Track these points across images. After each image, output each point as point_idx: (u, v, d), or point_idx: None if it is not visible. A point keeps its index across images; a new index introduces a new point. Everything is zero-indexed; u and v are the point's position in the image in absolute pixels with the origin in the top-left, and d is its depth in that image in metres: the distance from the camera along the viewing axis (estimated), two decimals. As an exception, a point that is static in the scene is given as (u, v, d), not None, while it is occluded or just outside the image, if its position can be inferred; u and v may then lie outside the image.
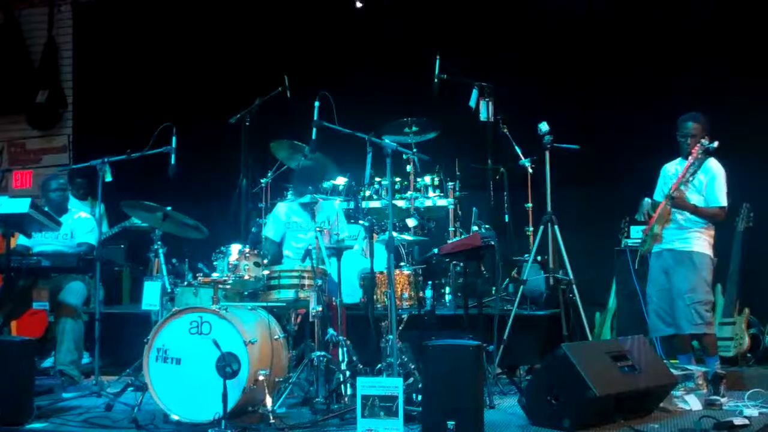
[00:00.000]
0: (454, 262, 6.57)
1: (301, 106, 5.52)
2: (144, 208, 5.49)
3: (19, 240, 6.03)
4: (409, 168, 7.15)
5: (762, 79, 6.87)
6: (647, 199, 5.56)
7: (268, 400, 4.57)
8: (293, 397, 5.08)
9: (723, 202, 5.34)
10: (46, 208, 5.84)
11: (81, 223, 6.17)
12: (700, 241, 5.37)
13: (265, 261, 5.26)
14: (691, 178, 5.27)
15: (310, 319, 5.03)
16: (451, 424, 4.05)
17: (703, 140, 5.21)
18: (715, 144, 5.18)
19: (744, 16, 7.12)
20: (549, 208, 6.06)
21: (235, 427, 4.36)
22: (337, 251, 5.30)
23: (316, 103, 5.04)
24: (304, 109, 5.26)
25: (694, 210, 5.32)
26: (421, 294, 5.47)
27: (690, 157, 5.24)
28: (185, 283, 5.57)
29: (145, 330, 4.98)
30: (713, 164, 5.36)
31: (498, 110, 6.77)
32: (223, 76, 8.47)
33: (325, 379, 4.88)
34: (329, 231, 5.91)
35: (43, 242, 6.00)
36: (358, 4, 8.03)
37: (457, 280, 6.76)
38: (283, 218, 6.26)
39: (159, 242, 5.79)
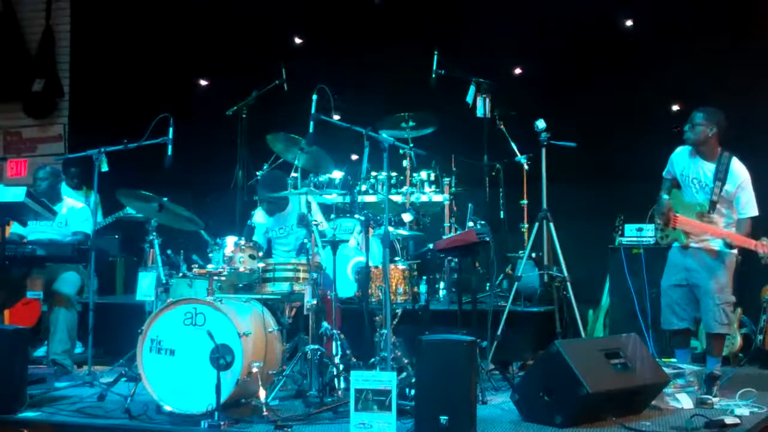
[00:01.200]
0: (448, 257, 6.57)
1: (299, 99, 5.52)
2: (140, 198, 5.47)
3: (13, 228, 6.01)
4: (405, 163, 7.15)
5: (760, 80, 6.89)
6: (665, 196, 5.40)
7: (262, 393, 4.57)
8: (286, 390, 5.07)
9: (754, 211, 5.18)
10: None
11: (76, 212, 6.16)
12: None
13: (260, 253, 5.26)
14: (720, 192, 5.14)
15: (305, 312, 5.03)
16: (443, 418, 4.05)
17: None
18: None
19: (742, 16, 7.13)
20: (544, 205, 6.06)
21: (229, 418, 4.36)
22: (332, 244, 5.30)
23: (314, 97, 5.03)
24: (301, 102, 5.26)
25: (733, 240, 5.14)
26: (415, 289, 5.47)
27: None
28: (180, 274, 5.56)
29: (139, 320, 4.99)
30: (739, 169, 5.19)
31: (495, 107, 6.78)
32: (221, 67, 8.45)
33: (319, 372, 4.88)
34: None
35: (37, 230, 5.98)
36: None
37: (452, 275, 6.77)
38: (263, 230, 6.27)
39: (154, 233, 5.78)
